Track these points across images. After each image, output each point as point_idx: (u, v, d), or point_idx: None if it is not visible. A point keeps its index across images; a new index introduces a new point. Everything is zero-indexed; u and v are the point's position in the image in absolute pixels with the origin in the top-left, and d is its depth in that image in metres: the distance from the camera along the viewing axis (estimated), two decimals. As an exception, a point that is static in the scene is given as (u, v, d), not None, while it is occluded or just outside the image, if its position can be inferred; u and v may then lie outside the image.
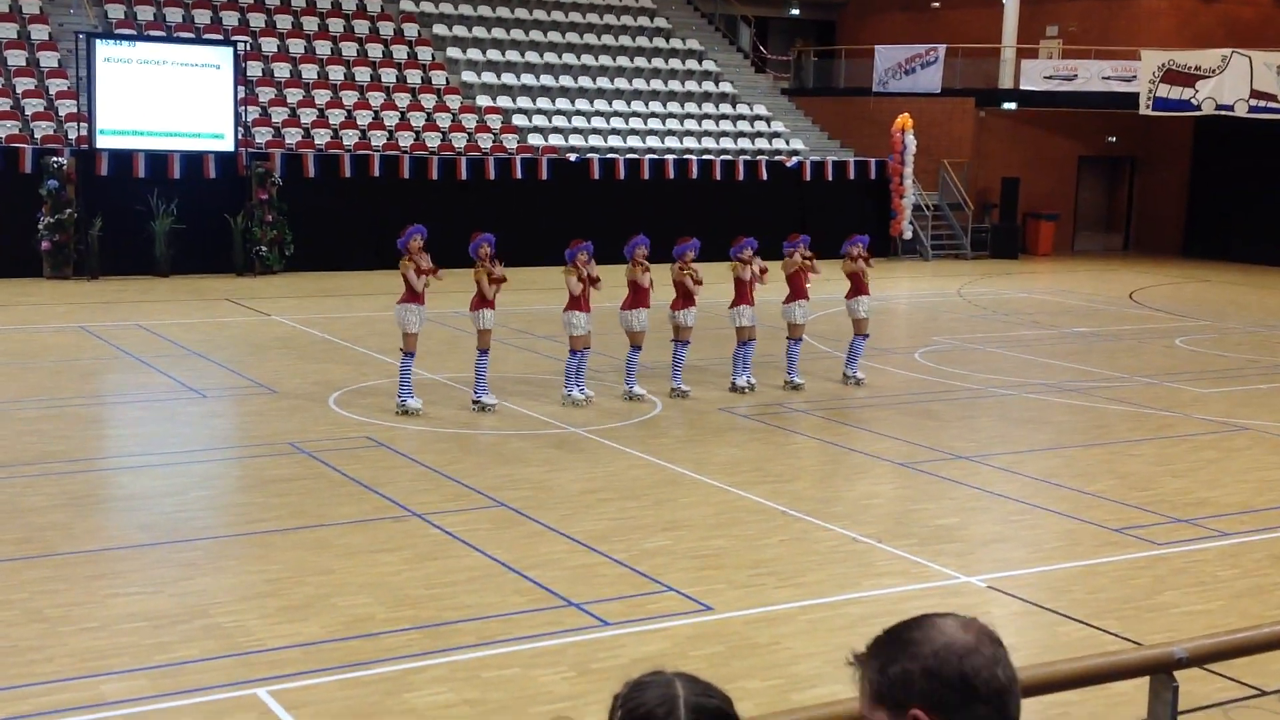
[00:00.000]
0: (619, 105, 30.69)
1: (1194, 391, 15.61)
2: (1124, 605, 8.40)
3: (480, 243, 13.37)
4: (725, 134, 31.03)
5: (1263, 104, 28.30)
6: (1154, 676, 3.78)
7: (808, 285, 15.01)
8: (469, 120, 28.22)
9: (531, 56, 30.96)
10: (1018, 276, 28.31)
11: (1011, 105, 32.51)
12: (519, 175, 26.58)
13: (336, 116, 26.97)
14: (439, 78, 29.34)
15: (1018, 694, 2.05)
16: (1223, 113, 28.88)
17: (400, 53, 29.60)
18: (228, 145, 24.28)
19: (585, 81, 30.88)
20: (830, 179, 29.99)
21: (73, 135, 24.06)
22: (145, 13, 27.46)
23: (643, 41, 33.00)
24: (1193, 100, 29.16)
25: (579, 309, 13.68)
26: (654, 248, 14.38)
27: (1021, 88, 32.06)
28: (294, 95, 27.19)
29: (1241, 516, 10.51)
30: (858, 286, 15.34)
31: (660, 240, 15.36)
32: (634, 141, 29.51)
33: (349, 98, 27.69)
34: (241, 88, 24.89)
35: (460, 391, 14.11)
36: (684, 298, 14.36)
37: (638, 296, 14.08)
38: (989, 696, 2.01)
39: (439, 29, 30.74)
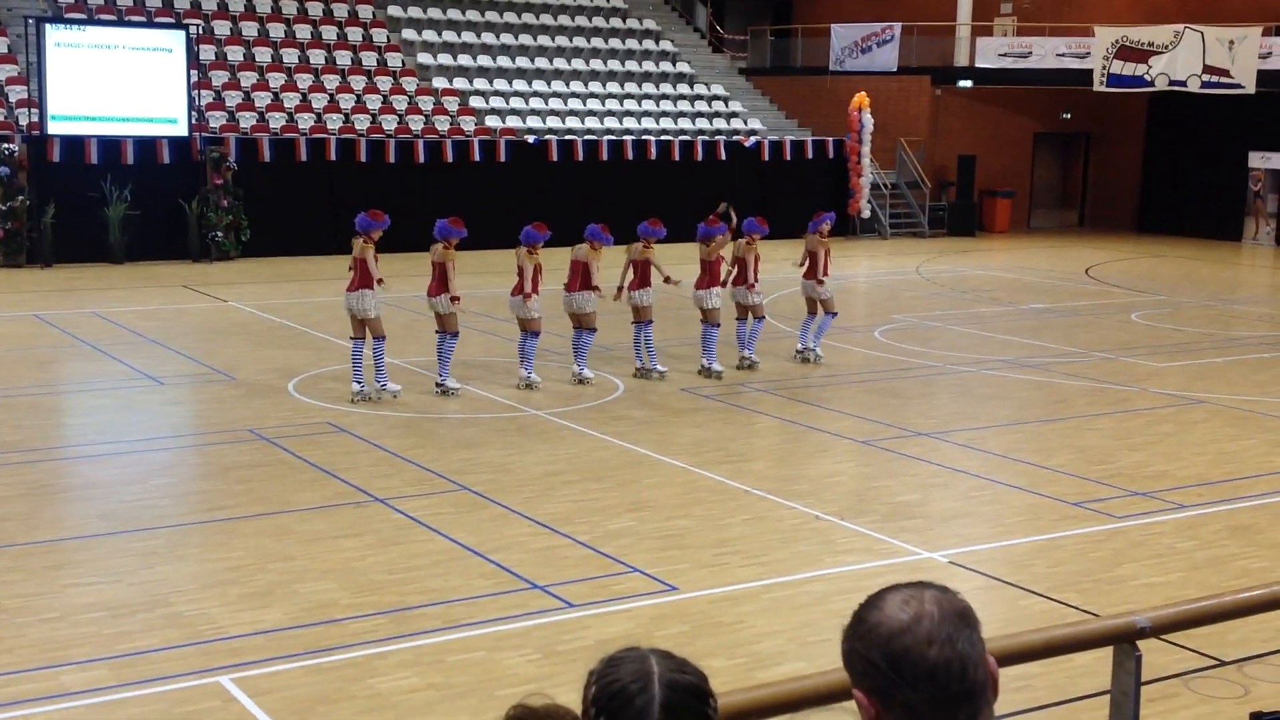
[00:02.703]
0: (576, 86, 30.60)
1: (1150, 366, 15.75)
2: (1084, 578, 8.48)
3: (453, 232, 13.19)
4: (683, 114, 31.00)
5: (1216, 79, 28.54)
6: (1117, 646, 3.81)
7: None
8: (426, 102, 28.07)
9: (488, 38, 30.81)
10: (975, 254, 28.46)
11: (967, 83, 32.63)
12: (477, 157, 26.46)
13: (291, 100, 26.75)
14: (395, 60, 29.16)
15: (963, 670, 1.96)
16: (1176, 88, 29.09)
17: (355, 35, 29.38)
18: (181, 130, 24.04)
19: (542, 62, 30.77)
20: (789, 158, 30.02)
21: (24, 121, 23.76)
22: (95, -4, 27.14)
23: (599, 22, 32.89)
24: (1146, 76, 29.36)
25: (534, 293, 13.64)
26: (612, 229, 14.30)
27: (977, 65, 32.18)
28: (248, 79, 26.95)
29: (1199, 489, 10.62)
30: (820, 266, 15.31)
31: (618, 221, 15.30)
32: (592, 123, 29.43)
33: (304, 81, 27.47)
34: (194, 71, 24.64)
35: (420, 376, 14.05)
36: (641, 279, 14.32)
37: (644, 278, 14.29)
38: (917, 678, 1.95)
39: (394, 10, 30.53)
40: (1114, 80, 29.80)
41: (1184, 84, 28.88)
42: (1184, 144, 32.22)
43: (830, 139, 30.73)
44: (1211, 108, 30.22)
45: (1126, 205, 34.04)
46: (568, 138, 28.01)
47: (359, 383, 13.02)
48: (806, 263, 15.35)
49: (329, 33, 29.10)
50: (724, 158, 29.17)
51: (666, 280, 14.26)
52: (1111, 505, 10.10)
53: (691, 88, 32.18)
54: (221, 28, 27.91)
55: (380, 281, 12.93)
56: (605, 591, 8.07)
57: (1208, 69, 28.54)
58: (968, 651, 1.98)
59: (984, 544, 9.26)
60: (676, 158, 28.61)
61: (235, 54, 27.43)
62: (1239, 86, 28.32)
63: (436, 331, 13.47)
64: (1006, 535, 9.45)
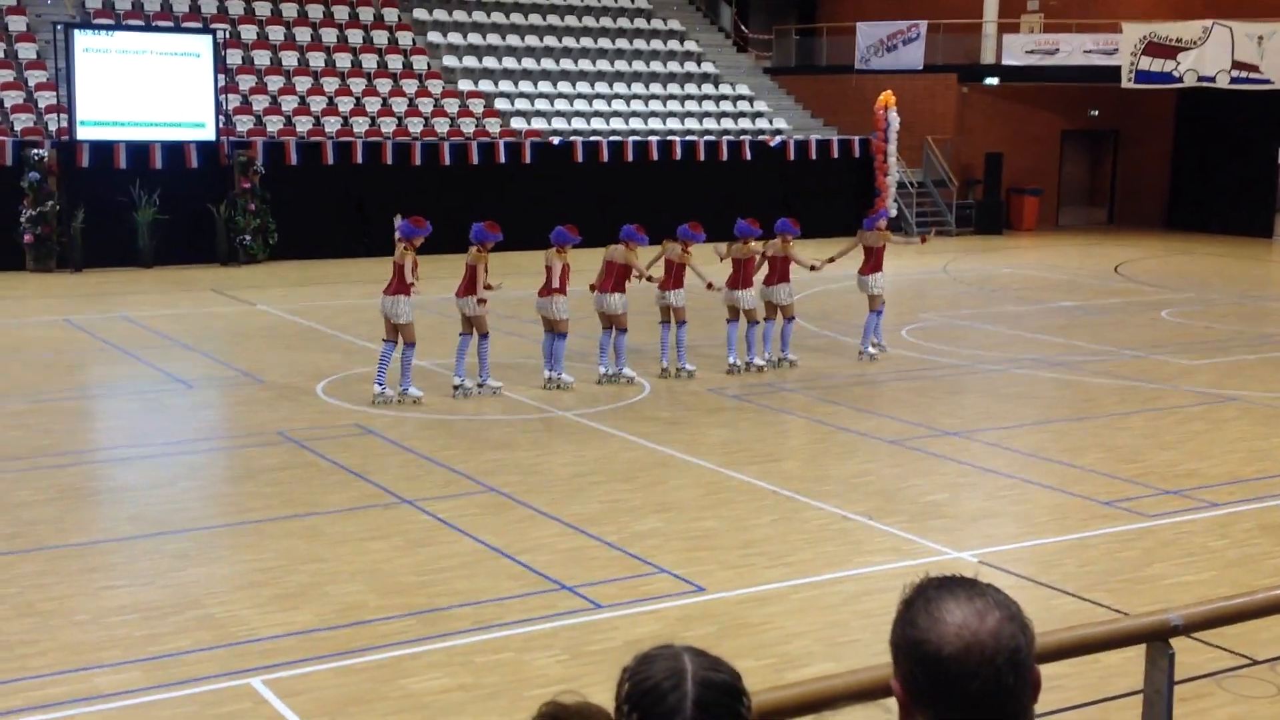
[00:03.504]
0: (601, 87, 30.62)
1: (1181, 363, 15.65)
2: (1114, 578, 8.43)
3: (488, 236, 13.29)
4: (708, 114, 30.97)
5: (1244, 74, 28.34)
6: (1150, 644, 3.79)
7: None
8: (451, 105, 28.13)
9: (513, 40, 30.86)
10: (1003, 252, 28.34)
11: (994, 80, 32.48)
12: (502, 159, 26.51)
13: (318, 104, 26.86)
14: (420, 63, 29.23)
15: (1001, 700, 1.95)
16: (1205, 84, 28.90)
17: (381, 38, 29.47)
18: (209, 134, 24.16)
19: (567, 64, 30.79)
20: (814, 158, 29.95)
21: (53, 127, 23.93)
22: (123, 2, 27.30)
23: (624, 23, 32.91)
24: (1174, 72, 29.18)
25: (561, 293, 13.70)
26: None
27: (1003, 63, 32.05)
28: (275, 83, 27.07)
29: (1230, 487, 10.55)
30: (875, 262, 15.52)
31: (642, 222, 15.31)
32: (617, 124, 29.44)
33: (330, 84, 27.58)
34: (222, 76, 24.77)
35: (445, 376, 14.08)
36: (675, 280, 14.35)
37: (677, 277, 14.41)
38: (954, 700, 1.95)
39: (419, 13, 30.61)
40: (1142, 77, 29.62)
41: (1212, 80, 28.69)
42: (1213, 140, 31.98)
43: (856, 138, 30.65)
44: (1240, 104, 29.98)
45: (1155, 202, 33.83)
46: (592, 139, 28.02)
47: (380, 384, 13.07)
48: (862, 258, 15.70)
49: (355, 36, 29.20)
50: (749, 158, 29.13)
51: (709, 287, 14.36)
52: (1142, 504, 10.04)
53: (716, 88, 32.15)
54: (248, 32, 28.05)
55: (412, 286, 12.95)
56: (633, 592, 8.07)
57: (1236, 65, 28.33)
58: (1012, 685, 1.96)
59: (1013, 544, 9.21)
60: (701, 158, 28.58)
61: (262, 58, 27.56)
62: (1268, 82, 28.11)
63: (461, 334, 13.51)
64: (1036, 535, 9.40)
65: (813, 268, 14.95)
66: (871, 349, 15.62)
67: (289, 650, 7.14)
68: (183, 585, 8.11)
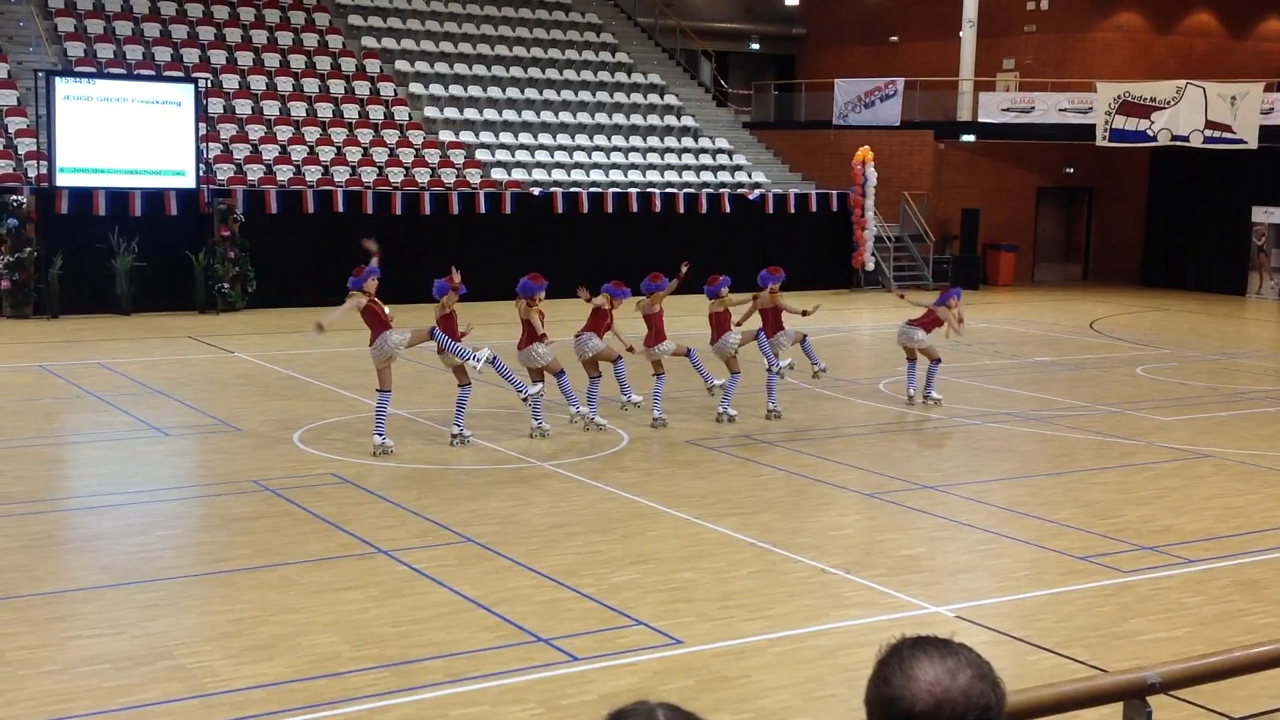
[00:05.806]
0: (582, 139, 30.77)
1: (1156, 419, 15.72)
2: (1091, 633, 8.42)
3: (446, 287, 13.39)
4: (687, 167, 31.15)
5: (1218, 134, 28.68)
6: (1128, 702, 3.79)
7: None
8: (432, 155, 28.22)
9: (494, 91, 31.02)
10: (979, 307, 28.46)
11: (970, 137, 32.78)
12: (483, 210, 26.58)
13: (299, 153, 26.91)
14: (402, 113, 29.34)
15: None
16: (1178, 143, 29.23)
17: (363, 89, 29.58)
18: (189, 182, 24.16)
19: (548, 116, 30.95)
20: (792, 211, 30.14)
21: (32, 173, 23.90)
22: (105, 50, 27.36)
23: (605, 76, 33.13)
24: (1149, 131, 29.50)
25: (540, 341, 13.73)
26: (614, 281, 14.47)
27: (980, 120, 32.34)
28: (256, 132, 27.12)
29: (1205, 543, 10.57)
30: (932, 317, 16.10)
31: (622, 274, 15.40)
32: (597, 175, 29.57)
33: (311, 134, 27.64)
34: (203, 124, 24.81)
35: (425, 426, 14.05)
36: (656, 333, 14.48)
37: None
38: None
39: (401, 65, 30.76)
40: (1116, 135, 29.94)
41: (1186, 139, 29.01)
42: (1187, 199, 32.31)
43: (834, 192, 30.85)
44: (1214, 162, 30.32)
45: (1130, 259, 34.10)
46: (573, 190, 28.13)
47: (380, 435, 13.07)
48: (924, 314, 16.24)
49: (337, 86, 29.30)
50: (728, 210, 29.28)
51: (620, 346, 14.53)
52: (1118, 560, 10.05)
53: (696, 141, 32.35)
54: (230, 81, 28.12)
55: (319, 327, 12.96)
56: (610, 645, 8.03)
57: (1210, 124, 28.67)
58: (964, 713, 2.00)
59: (990, 598, 9.21)
60: (681, 210, 28.72)
61: (243, 107, 27.62)
62: (1241, 142, 28.46)
63: (459, 385, 13.54)
64: (1013, 590, 9.40)
65: (804, 313, 15.19)
66: (936, 395, 16.07)
67: (260, 702, 7.07)
68: (154, 635, 8.03)
